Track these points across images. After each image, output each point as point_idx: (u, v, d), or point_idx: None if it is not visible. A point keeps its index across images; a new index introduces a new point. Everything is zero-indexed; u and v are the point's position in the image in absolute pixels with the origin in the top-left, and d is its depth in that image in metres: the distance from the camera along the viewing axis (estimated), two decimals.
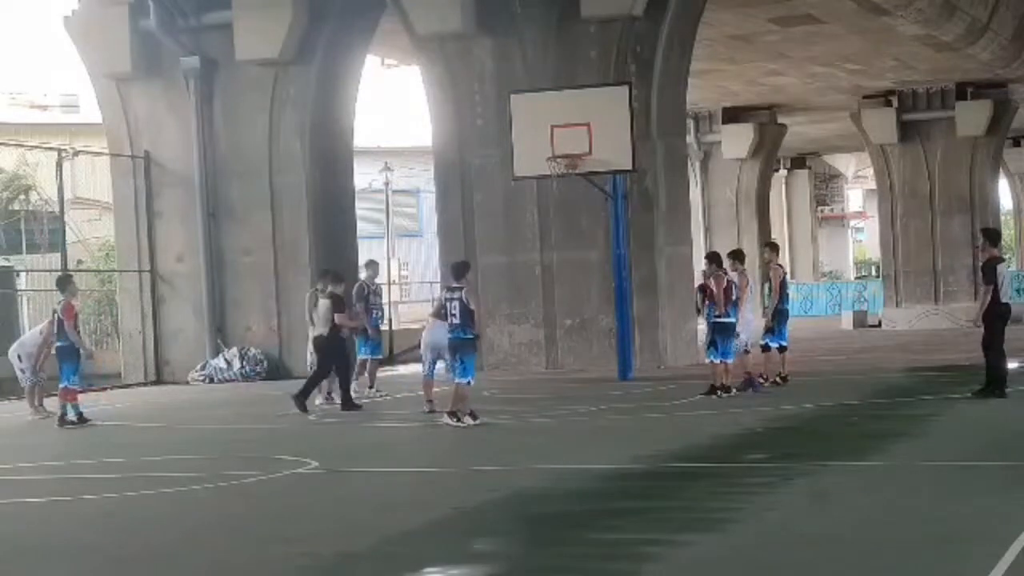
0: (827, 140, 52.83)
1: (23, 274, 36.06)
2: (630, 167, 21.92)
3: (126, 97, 27.58)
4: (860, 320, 41.39)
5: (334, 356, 18.98)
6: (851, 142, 48.40)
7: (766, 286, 20.08)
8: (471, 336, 16.14)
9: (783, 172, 57.95)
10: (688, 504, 10.22)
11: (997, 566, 7.49)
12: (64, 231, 29.94)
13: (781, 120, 44.33)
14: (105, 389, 25.99)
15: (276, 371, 26.23)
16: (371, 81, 35.31)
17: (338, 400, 19.16)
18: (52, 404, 19.17)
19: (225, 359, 26.49)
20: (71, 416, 18.44)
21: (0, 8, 75.10)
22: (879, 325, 40.91)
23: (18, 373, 20.16)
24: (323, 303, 18.95)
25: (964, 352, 22.27)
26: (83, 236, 39.15)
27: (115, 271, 30.01)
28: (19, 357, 19.97)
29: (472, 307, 16.03)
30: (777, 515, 9.55)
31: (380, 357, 22.20)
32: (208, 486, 12.08)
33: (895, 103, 41.12)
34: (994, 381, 16.75)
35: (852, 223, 75.70)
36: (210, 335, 26.87)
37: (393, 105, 55.05)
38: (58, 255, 29.59)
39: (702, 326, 20.11)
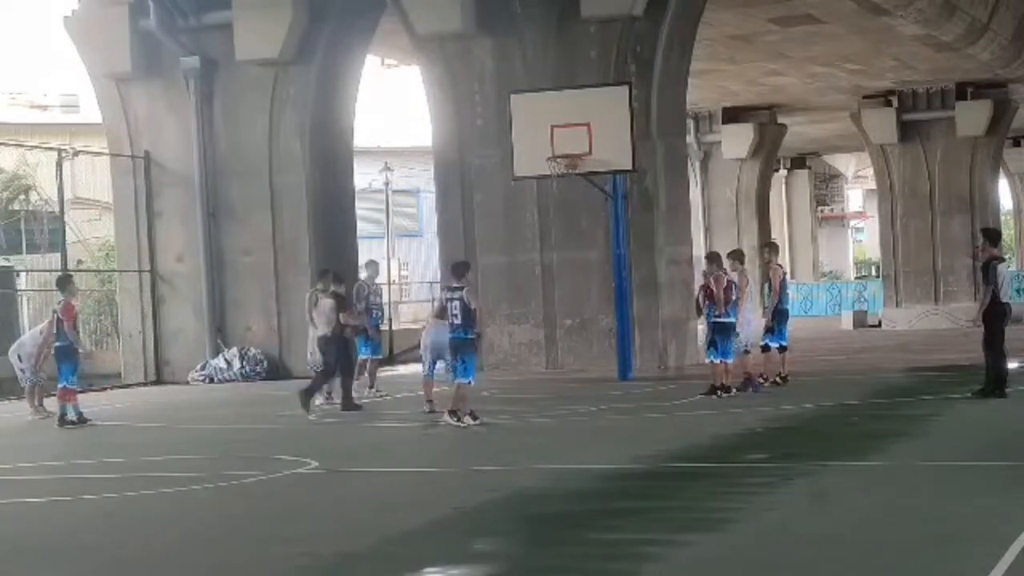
0: (827, 140, 52.83)
1: (23, 274, 36.08)
2: (630, 167, 21.92)
3: (126, 97, 27.59)
4: (860, 320, 41.40)
5: (339, 355, 18.98)
6: (851, 142, 48.40)
7: (766, 286, 20.08)
8: (472, 336, 16.15)
9: (783, 172, 57.95)
10: (688, 504, 10.22)
11: (997, 566, 7.48)
12: (64, 231, 29.95)
13: (781, 120, 44.33)
14: (105, 389, 25.99)
15: (276, 371, 26.24)
16: (371, 81, 35.34)
17: (338, 400, 19.16)
18: (52, 404, 19.16)
19: (225, 359, 26.49)
20: (71, 416, 18.44)
21: (0, 8, 75.12)
22: (879, 325, 40.91)
23: (18, 373, 20.16)
24: (326, 302, 18.95)
25: (964, 352, 22.26)
26: (83, 236, 39.17)
27: (115, 271, 30.02)
28: (19, 357, 19.98)
29: (473, 307, 16.04)
30: (777, 515, 9.55)
31: (380, 357, 22.21)
32: (208, 486, 12.08)
33: (895, 103, 41.13)
34: (994, 381, 16.75)
35: (852, 223, 75.71)
36: (210, 335, 26.88)
37: (393, 105, 55.08)
38: (58, 255, 29.61)
39: (702, 326, 20.10)
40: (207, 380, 26.26)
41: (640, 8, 24.06)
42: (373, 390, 20.70)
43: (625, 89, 22.03)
